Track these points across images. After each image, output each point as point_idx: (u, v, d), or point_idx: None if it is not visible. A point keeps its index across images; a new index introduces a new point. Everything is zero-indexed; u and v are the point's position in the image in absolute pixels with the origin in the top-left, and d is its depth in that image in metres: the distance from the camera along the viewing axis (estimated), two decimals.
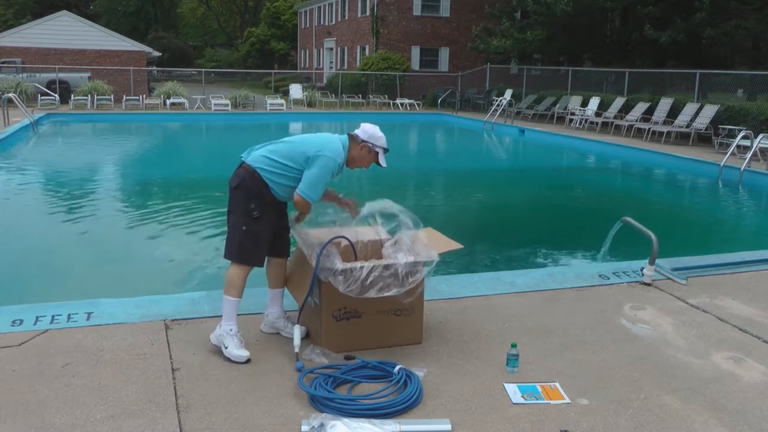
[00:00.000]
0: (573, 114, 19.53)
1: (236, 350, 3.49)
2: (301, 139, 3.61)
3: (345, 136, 3.63)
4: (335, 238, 3.67)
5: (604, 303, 4.53)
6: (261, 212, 3.50)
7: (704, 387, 3.36)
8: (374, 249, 3.86)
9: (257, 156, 3.54)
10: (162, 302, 4.25)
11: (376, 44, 29.94)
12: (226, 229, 3.63)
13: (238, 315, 3.61)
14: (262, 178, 3.49)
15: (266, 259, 3.76)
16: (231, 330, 3.54)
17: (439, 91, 26.84)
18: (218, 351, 3.54)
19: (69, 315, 3.98)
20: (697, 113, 15.64)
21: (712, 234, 8.35)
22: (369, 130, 3.62)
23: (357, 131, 3.63)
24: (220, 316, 3.62)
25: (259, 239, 3.54)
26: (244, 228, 3.50)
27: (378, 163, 3.66)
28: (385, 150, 3.66)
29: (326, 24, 37.81)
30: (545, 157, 15.77)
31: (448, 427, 2.86)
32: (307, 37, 42.60)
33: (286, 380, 3.27)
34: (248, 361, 3.48)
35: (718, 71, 17.35)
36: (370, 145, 3.61)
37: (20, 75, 24.06)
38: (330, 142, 3.55)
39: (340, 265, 3.39)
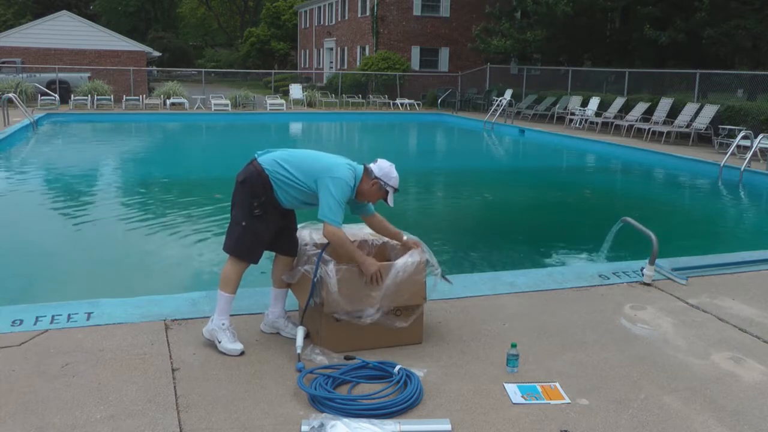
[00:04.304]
0: (573, 114, 19.53)
1: (229, 344, 3.52)
2: (313, 158, 3.56)
3: (361, 167, 3.58)
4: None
5: (604, 303, 4.53)
6: (263, 210, 3.50)
7: (704, 387, 3.36)
8: (379, 252, 3.86)
9: (269, 158, 3.54)
10: (162, 302, 4.25)
11: (376, 44, 29.94)
12: (226, 227, 3.65)
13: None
14: (269, 179, 3.48)
15: (273, 257, 3.78)
16: (223, 324, 3.56)
17: (439, 91, 26.83)
18: (218, 351, 3.55)
19: (69, 315, 3.98)
20: (697, 113, 15.64)
21: (712, 234, 8.35)
22: (385, 168, 3.56)
23: (372, 166, 3.57)
24: None
25: (258, 237, 3.54)
26: (244, 224, 3.51)
27: (386, 202, 3.59)
28: (395, 190, 3.60)
29: (326, 24, 37.81)
30: (545, 157, 15.76)
31: (448, 427, 2.86)
32: (307, 37, 42.60)
33: (286, 380, 3.27)
34: (242, 353, 3.50)
35: (718, 71, 17.35)
36: (382, 183, 3.55)
37: (20, 75, 24.05)
38: (341, 166, 3.49)
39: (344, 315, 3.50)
